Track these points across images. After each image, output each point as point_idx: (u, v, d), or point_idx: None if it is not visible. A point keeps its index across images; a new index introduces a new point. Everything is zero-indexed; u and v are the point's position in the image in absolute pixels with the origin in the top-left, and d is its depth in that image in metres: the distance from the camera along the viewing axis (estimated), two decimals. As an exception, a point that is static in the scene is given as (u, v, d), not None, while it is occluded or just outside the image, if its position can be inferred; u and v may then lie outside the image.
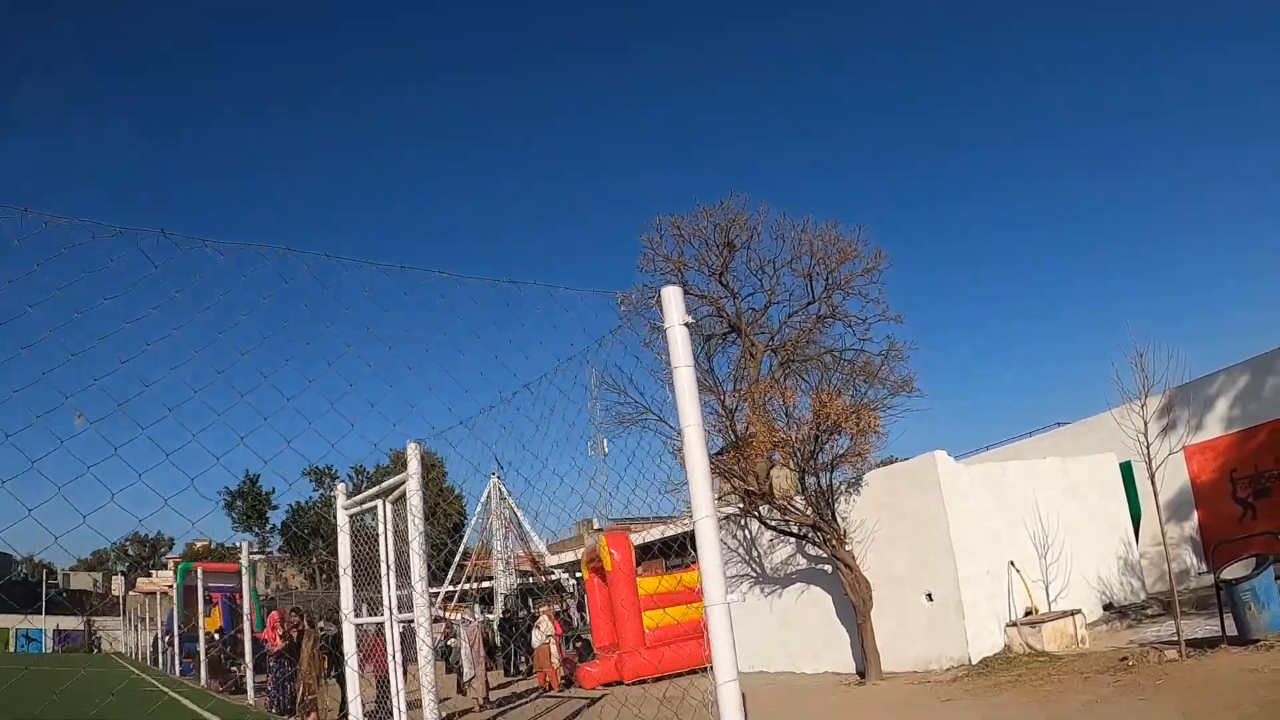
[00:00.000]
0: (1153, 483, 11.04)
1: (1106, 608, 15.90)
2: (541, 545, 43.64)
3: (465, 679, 18.27)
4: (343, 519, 10.40)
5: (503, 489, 46.93)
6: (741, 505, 15.08)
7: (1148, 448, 10.74)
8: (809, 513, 14.65)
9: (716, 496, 14.74)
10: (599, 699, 17.62)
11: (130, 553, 78.51)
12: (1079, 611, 13.98)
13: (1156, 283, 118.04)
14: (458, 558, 49.96)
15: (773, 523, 15.22)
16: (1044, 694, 10.59)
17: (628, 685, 18.77)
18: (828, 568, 14.96)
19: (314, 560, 76.05)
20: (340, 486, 11.51)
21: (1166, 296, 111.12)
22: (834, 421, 13.41)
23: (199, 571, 33.15)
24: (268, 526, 79.02)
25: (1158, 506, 11.32)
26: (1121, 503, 17.65)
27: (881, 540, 15.03)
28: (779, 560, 17.50)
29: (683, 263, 14.74)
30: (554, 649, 21.09)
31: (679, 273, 14.79)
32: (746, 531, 17.88)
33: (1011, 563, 14.62)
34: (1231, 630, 10.64)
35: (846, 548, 14.69)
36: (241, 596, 33.98)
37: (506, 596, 43.67)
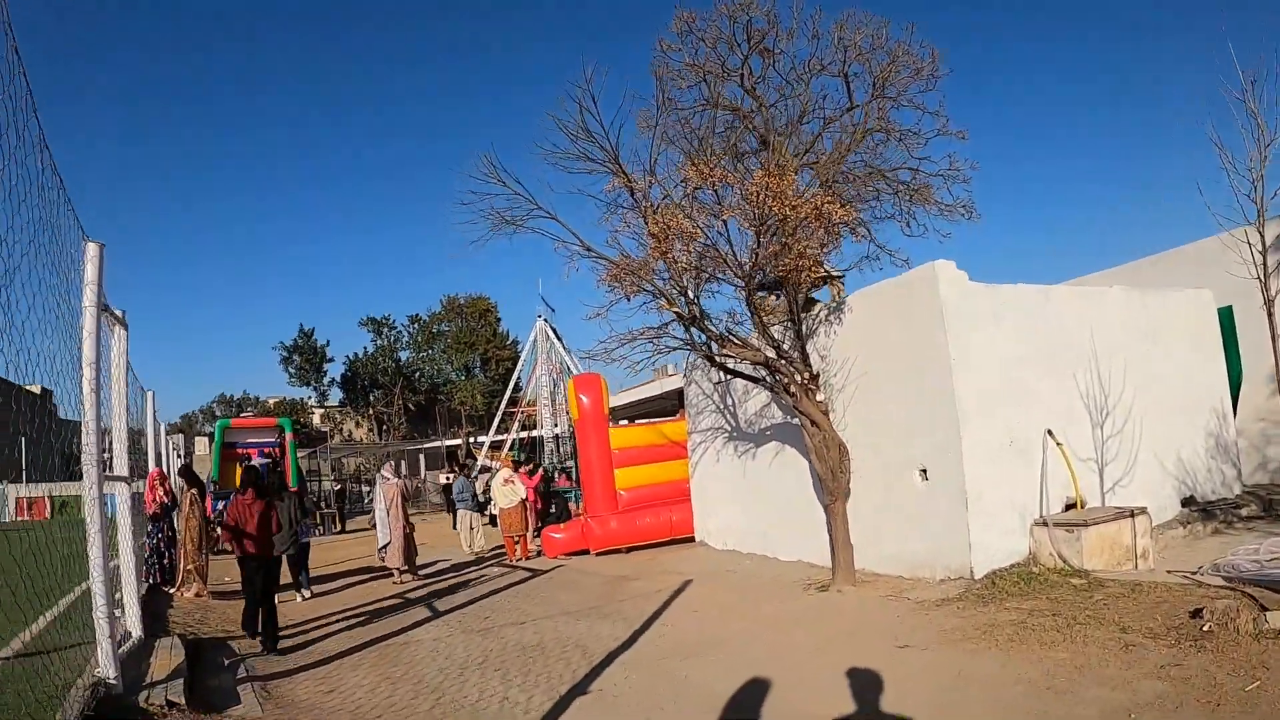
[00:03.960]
0: (1271, 323, 6.20)
1: (1186, 502, 11.00)
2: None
3: (380, 546, 14.86)
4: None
5: (550, 332, 43.82)
6: (685, 338, 10.74)
7: (1263, 262, 5.97)
8: (761, 347, 10.29)
9: (661, 325, 10.50)
10: (548, 572, 14.50)
11: (218, 414, 79.19)
12: (1143, 511, 9.20)
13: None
14: (503, 404, 47.47)
15: (719, 359, 10.89)
16: (1050, 669, 6.04)
17: (595, 555, 15.86)
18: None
19: (372, 411, 75.81)
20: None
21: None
22: (781, 216, 8.85)
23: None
24: (325, 379, 78.86)
25: (1277, 362, 6.44)
26: (1217, 360, 12.28)
27: (866, 390, 10.51)
28: (753, 411, 13.15)
29: (704, 69, 10.18)
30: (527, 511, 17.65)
31: (703, 80, 10.49)
32: (723, 374, 13.60)
33: (1049, 432, 9.82)
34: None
35: (819, 397, 10.32)
36: (280, 452, 33.32)
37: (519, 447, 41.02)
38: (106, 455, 6.95)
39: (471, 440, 47.51)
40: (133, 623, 8.34)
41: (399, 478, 15.86)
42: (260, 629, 9.84)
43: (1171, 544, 9.90)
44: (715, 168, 9.04)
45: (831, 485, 10.03)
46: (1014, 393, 9.66)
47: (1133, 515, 9.06)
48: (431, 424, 63.67)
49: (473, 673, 7.85)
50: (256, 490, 10.90)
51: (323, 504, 30.36)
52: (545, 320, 44.61)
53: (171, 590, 12.93)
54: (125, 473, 8.71)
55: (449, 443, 48.61)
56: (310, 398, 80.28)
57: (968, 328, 9.41)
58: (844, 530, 10.00)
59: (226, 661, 8.83)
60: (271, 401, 79.18)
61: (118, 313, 8.66)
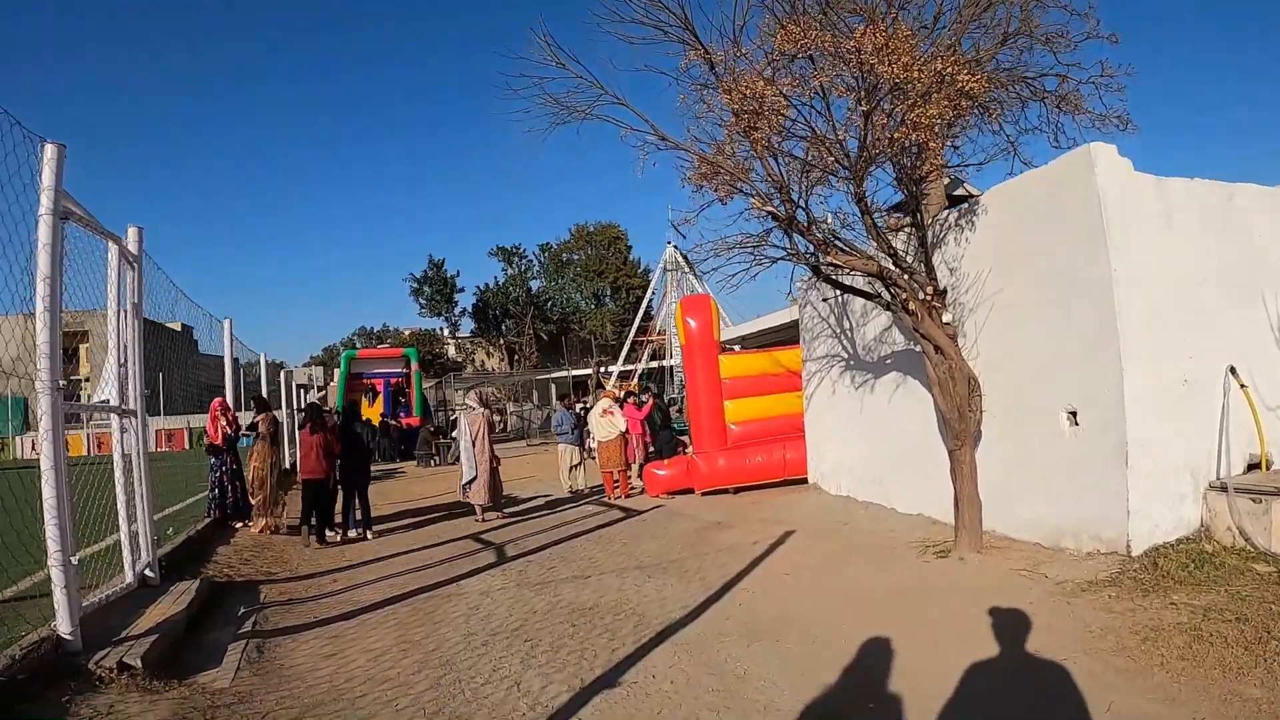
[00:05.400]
0: None
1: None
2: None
3: (463, 481, 13.78)
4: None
5: (680, 258, 42.21)
6: (787, 247, 8.91)
7: None
8: (875, 255, 8.43)
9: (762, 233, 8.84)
10: (642, 514, 13.24)
11: (358, 345, 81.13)
12: (1348, 478, 6.98)
13: None
14: (633, 333, 46.39)
15: (825, 269, 9.04)
16: (1241, 713, 4.18)
17: (700, 495, 14.41)
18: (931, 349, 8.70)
19: (503, 341, 76.01)
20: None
21: None
22: (893, 82, 6.89)
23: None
24: (456, 310, 79.43)
25: None
26: None
27: (1002, 310, 8.51)
28: (871, 336, 11.25)
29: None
30: (631, 444, 16.35)
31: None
32: (839, 295, 11.73)
33: (1232, 369, 7.57)
34: None
35: (945, 318, 8.42)
36: (406, 381, 33.53)
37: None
38: (65, 383, 5.80)
39: (601, 369, 46.70)
40: (129, 567, 7.37)
41: (485, 407, 14.69)
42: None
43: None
44: (811, 29, 7.10)
45: (958, 427, 8.17)
46: (1189, 318, 7.46)
47: (1336, 485, 6.87)
48: (562, 354, 63.29)
49: (499, 643, 6.55)
50: (315, 425, 12.06)
51: (440, 435, 29.86)
52: (675, 246, 43.00)
53: (239, 525, 12.22)
54: (126, 403, 7.79)
55: (577, 372, 47.91)
56: (443, 328, 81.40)
57: (1133, 231, 7.26)
58: (971, 483, 8.14)
59: (242, 610, 7.82)
60: (407, 332, 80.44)
61: (131, 241, 7.92)
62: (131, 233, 7.99)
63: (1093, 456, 7.39)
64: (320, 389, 44.90)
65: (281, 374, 25.29)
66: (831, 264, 8.55)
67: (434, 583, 8.86)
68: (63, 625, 5.55)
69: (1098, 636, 5.49)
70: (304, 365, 69.59)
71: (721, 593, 7.71)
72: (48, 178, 5.67)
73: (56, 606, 5.57)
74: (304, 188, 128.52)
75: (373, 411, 32.75)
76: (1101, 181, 7.25)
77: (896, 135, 7.04)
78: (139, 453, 7.95)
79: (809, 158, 8.14)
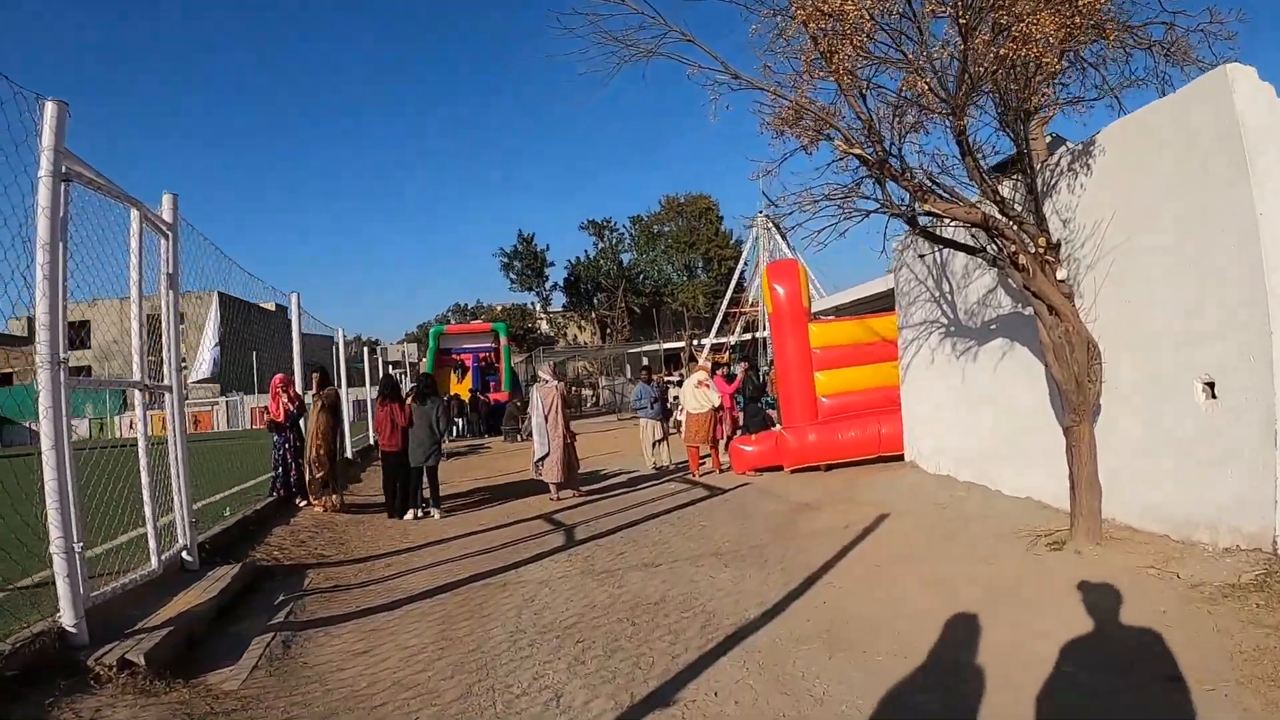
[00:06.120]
0: None
1: None
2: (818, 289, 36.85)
3: (536, 458, 13.15)
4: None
5: (773, 227, 41.01)
6: (879, 199, 7.89)
7: None
8: (978, 203, 7.39)
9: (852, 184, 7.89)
10: (727, 492, 12.52)
11: (451, 321, 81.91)
12: None
13: None
14: (724, 305, 45.40)
15: (921, 218, 7.98)
16: None
17: (789, 472, 13.50)
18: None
19: (595, 314, 75.70)
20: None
21: None
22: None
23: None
24: (547, 284, 79.49)
25: None
26: None
27: (1123, 265, 7.34)
28: (974, 299, 10.14)
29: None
30: (723, 420, 15.56)
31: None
32: (938, 254, 10.67)
33: None
34: None
35: (1060, 275, 7.35)
36: (495, 357, 33.46)
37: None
38: (66, 355, 5.26)
39: (695, 343, 45.89)
40: (153, 553, 6.86)
41: (559, 380, 14.01)
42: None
43: None
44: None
45: (1075, 399, 7.07)
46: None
47: None
48: (654, 327, 62.62)
49: (547, 643, 5.83)
50: (386, 398, 12.24)
51: (526, 408, 29.65)
52: (767, 215, 41.71)
53: (302, 504, 11.88)
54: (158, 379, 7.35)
55: (669, 346, 47.17)
56: (534, 303, 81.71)
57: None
58: (1089, 464, 7.05)
59: (281, 598, 7.30)
60: (499, 308, 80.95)
61: (165, 209, 7.52)
62: (166, 200, 7.58)
63: (1233, 435, 6.22)
64: (414, 364, 45.08)
65: (366, 350, 25.17)
66: (930, 213, 7.51)
67: (492, 569, 8.24)
68: (66, 617, 5.12)
69: (1250, 659, 4.43)
70: (397, 343, 70.57)
71: (804, 587, 6.86)
72: (48, 138, 5.26)
73: (60, 597, 5.13)
74: (399, 163, 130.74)
75: (462, 387, 32.69)
76: (1241, 107, 6.02)
77: (1003, 51, 5.98)
78: (176, 431, 7.54)
79: (901, 92, 7.14)
